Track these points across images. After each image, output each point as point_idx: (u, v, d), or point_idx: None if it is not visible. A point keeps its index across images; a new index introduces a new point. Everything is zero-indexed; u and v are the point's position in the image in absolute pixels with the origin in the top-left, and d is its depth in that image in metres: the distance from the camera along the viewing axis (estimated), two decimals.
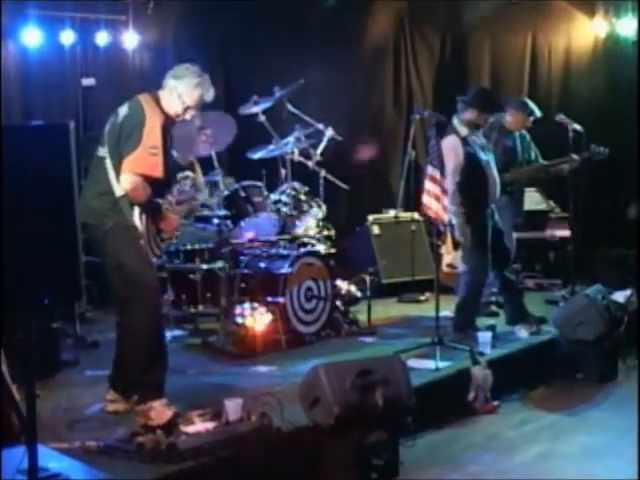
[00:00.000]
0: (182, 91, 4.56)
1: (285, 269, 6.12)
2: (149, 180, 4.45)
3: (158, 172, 4.45)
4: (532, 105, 7.12)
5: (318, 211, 6.73)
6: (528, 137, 7.31)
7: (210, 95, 4.67)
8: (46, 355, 5.18)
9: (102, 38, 7.56)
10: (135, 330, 4.52)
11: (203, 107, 5.56)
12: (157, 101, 4.60)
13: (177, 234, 4.95)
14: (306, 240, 6.61)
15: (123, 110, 4.56)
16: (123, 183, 4.41)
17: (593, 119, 7.77)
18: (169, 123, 4.65)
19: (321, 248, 6.63)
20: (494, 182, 6.27)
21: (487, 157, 6.26)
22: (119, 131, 4.48)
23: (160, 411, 4.28)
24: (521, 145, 7.26)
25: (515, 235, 7.32)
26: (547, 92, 9.05)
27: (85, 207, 4.43)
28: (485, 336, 5.80)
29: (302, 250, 6.35)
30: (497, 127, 7.10)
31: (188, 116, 4.67)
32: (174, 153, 4.99)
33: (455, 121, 6.21)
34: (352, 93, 8.74)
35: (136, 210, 4.44)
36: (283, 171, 6.74)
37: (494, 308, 7.05)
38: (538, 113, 7.12)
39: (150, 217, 4.52)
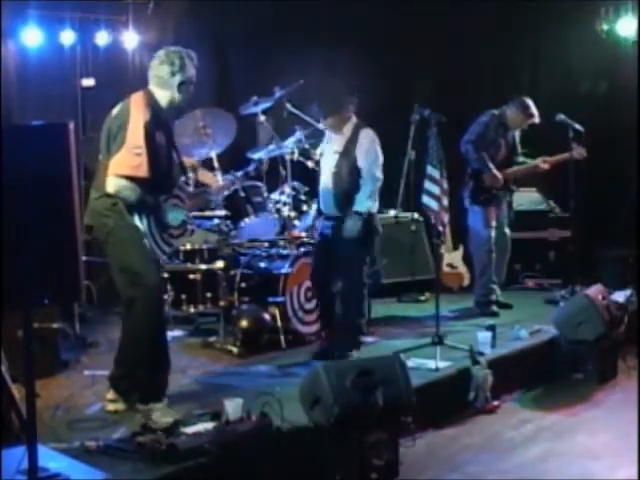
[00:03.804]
0: (174, 71, 4.53)
1: (285, 269, 6.11)
2: (138, 180, 4.40)
3: (143, 172, 4.38)
4: (533, 109, 7.04)
5: None
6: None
7: (195, 62, 4.63)
8: (46, 355, 5.18)
9: (102, 38, 7.56)
10: (138, 330, 4.52)
11: (202, 105, 5.57)
12: (150, 96, 4.57)
13: (190, 229, 4.90)
14: (306, 240, 6.61)
15: (114, 112, 4.56)
16: (108, 186, 4.40)
17: (593, 119, 7.76)
18: (162, 116, 4.60)
19: None
20: None
21: None
22: (108, 134, 4.49)
23: (161, 414, 4.28)
24: (518, 141, 7.26)
25: (509, 233, 7.32)
26: (547, 92, 9.04)
27: (88, 209, 4.47)
28: (485, 336, 5.80)
29: (302, 250, 6.35)
30: (502, 122, 7.09)
31: (189, 93, 4.62)
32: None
33: None
34: (351, 93, 8.72)
35: (136, 210, 4.43)
36: (283, 171, 6.74)
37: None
38: (537, 119, 7.06)
39: (152, 214, 4.50)
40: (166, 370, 4.66)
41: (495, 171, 6.97)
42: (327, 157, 5.83)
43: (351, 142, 5.67)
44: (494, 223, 7.07)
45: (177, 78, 4.55)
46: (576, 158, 7.11)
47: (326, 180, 5.76)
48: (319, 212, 6.00)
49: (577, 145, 7.10)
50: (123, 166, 4.37)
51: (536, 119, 7.06)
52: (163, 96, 4.59)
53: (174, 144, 4.78)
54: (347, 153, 5.66)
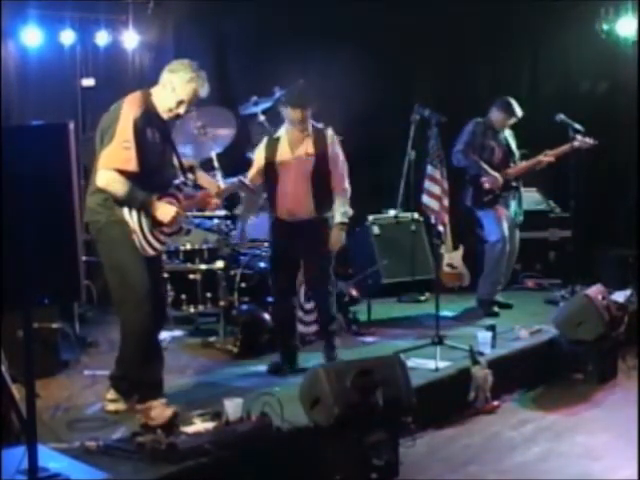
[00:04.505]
0: (176, 84, 4.53)
1: None
2: (128, 175, 4.39)
3: (132, 166, 4.38)
4: (515, 106, 7.03)
5: None
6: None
7: (204, 91, 4.62)
8: (46, 355, 5.18)
9: (102, 38, 7.56)
10: (129, 329, 4.53)
11: (202, 105, 5.55)
12: (147, 97, 4.57)
13: (185, 229, 4.89)
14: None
15: (110, 109, 4.57)
16: (98, 180, 4.41)
17: (593, 119, 7.76)
18: (156, 117, 4.59)
19: None
20: None
21: None
22: (101, 131, 4.51)
23: (160, 410, 4.29)
24: (512, 141, 7.26)
25: (518, 235, 7.31)
26: (547, 92, 9.05)
27: (85, 207, 4.47)
28: (485, 336, 5.80)
29: None
30: (489, 126, 7.09)
31: (182, 111, 4.64)
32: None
33: None
34: (352, 93, 8.73)
35: (126, 205, 4.43)
36: None
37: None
38: (519, 114, 7.05)
39: (142, 210, 4.48)
40: (160, 368, 4.66)
41: (491, 171, 6.97)
42: (290, 157, 5.43)
43: (321, 143, 5.46)
44: (505, 222, 7.06)
45: (180, 93, 4.54)
46: (583, 147, 7.11)
47: (298, 183, 5.39)
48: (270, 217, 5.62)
49: (582, 137, 7.10)
50: (112, 159, 4.39)
51: (518, 114, 7.04)
52: (159, 101, 4.60)
53: (172, 145, 4.77)
54: (321, 155, 5.42)
